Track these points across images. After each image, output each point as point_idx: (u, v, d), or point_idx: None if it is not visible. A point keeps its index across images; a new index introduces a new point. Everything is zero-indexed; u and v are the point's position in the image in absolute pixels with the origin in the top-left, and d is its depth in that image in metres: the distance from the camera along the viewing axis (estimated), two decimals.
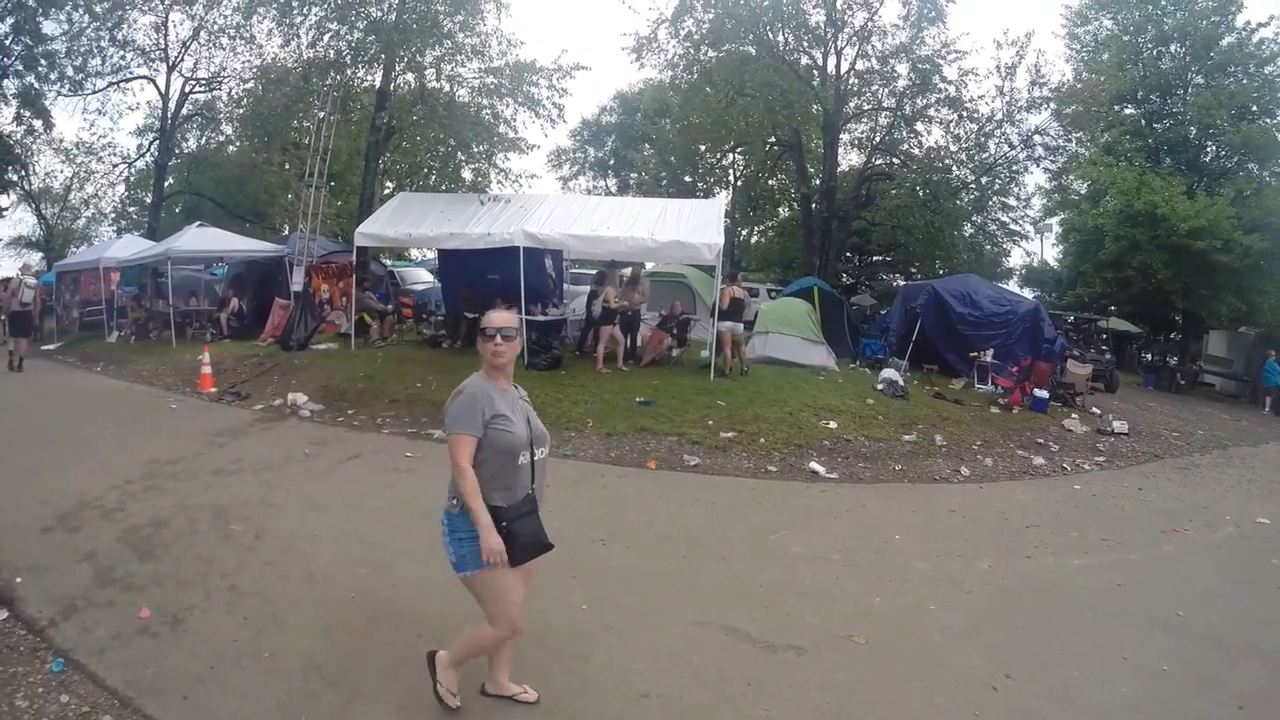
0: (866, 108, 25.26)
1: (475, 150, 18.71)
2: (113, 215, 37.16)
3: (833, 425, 11.49)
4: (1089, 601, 6.42)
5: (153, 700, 4.08)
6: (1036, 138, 23.66)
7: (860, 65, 24.01)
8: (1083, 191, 28.55)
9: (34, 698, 4.10)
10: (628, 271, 15.17)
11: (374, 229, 15.08)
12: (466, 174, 20.55)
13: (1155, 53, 28.25)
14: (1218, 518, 9.80)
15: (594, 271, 16.23)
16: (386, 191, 24.36)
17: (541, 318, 14.80)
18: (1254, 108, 26.51)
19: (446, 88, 17.88)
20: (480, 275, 15.53)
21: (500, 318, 3.90)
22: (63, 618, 4.92)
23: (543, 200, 15.85)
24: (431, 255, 22.96)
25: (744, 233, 38.10)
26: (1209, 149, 27.97)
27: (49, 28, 28.27)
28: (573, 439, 10.24)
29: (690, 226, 13.79)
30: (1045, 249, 38.65)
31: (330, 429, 10.65)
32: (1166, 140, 27.95)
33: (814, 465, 9.96)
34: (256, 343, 16.32)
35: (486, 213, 14.83)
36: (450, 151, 19.73)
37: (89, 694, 4.14)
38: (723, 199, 22.11)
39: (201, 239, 18.68)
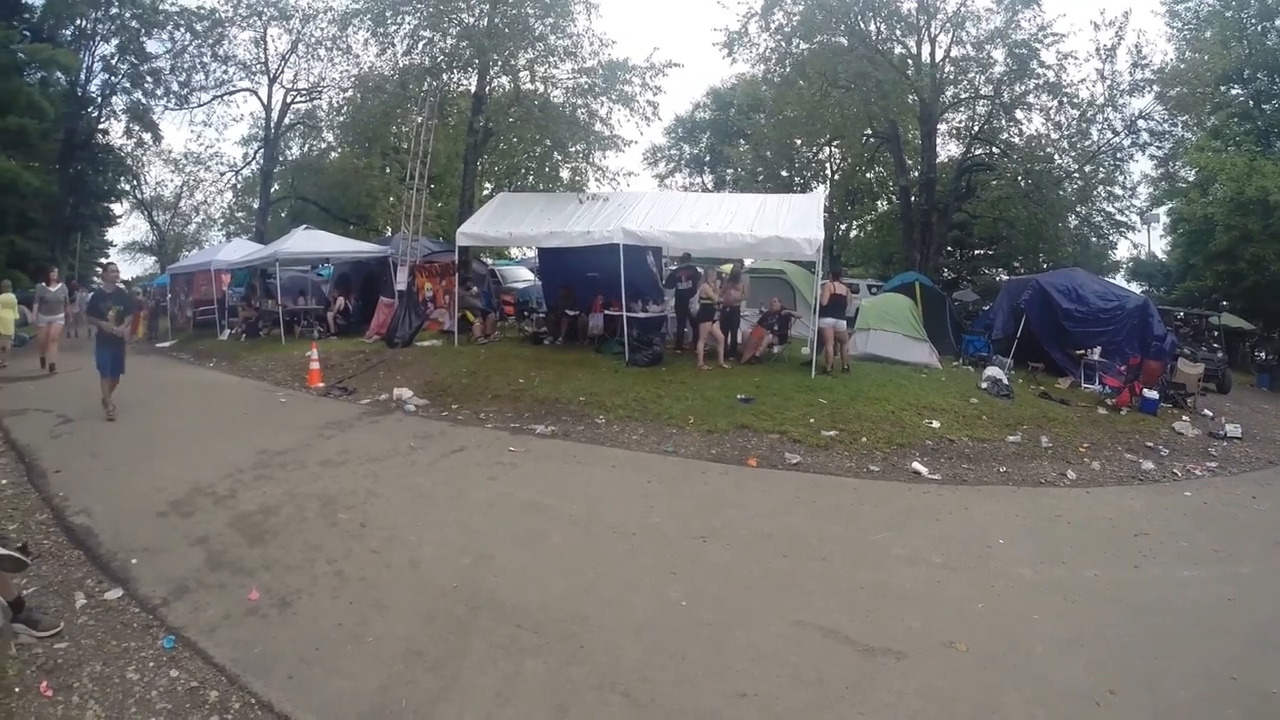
0: (964, 96, 24.69)
1: (572, 149, 18.88)
2: (221, 220, 39.17)
3: (935, 425, 11.21)
4: (1198, 616, 6.13)
5: (259, 678, 4.22)
6: (1140, 122, 22.89)
7: (955, 52, 23.51)
8: (1191, 179, 27.19)
9: (145, 671, 4.27)
10: (728, 268, 15.08)
11: (474, 229, 15.32)
12: (564, 173, 20.81)
13: (1260, 28, 26.80)
14: None
15: (673, 268, 16.17)
16: (485, 192, 24.87)
17: (642, 314, 14.85)
18: None
19: (541, 89, 18.08)
20: (580, 273, 15.68)
21: None
22: (175, 597, 5.12)
23: (640, 198, 15.92)
24: (532, 254, 23.19)
25: (842, 227, 37.65)
26: None
27: (153, 47, 30.12)
28: (674, 435, 10.22)
29: (790, 222, 13.64)
30: (1153, 240, 36.84)
31: (434, 423, 10.81)
32: (1277, 122, 26.58)
33: (916, 465, 9.73)
34: (362, 340, 16.82)
35: (585, 211, 14.95)
36: (547, 151, 19.97)
37: (198, 670, 4.30)
38: (821, 193, 21.80)
39: (307, 241, 19.40)
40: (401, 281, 16.29)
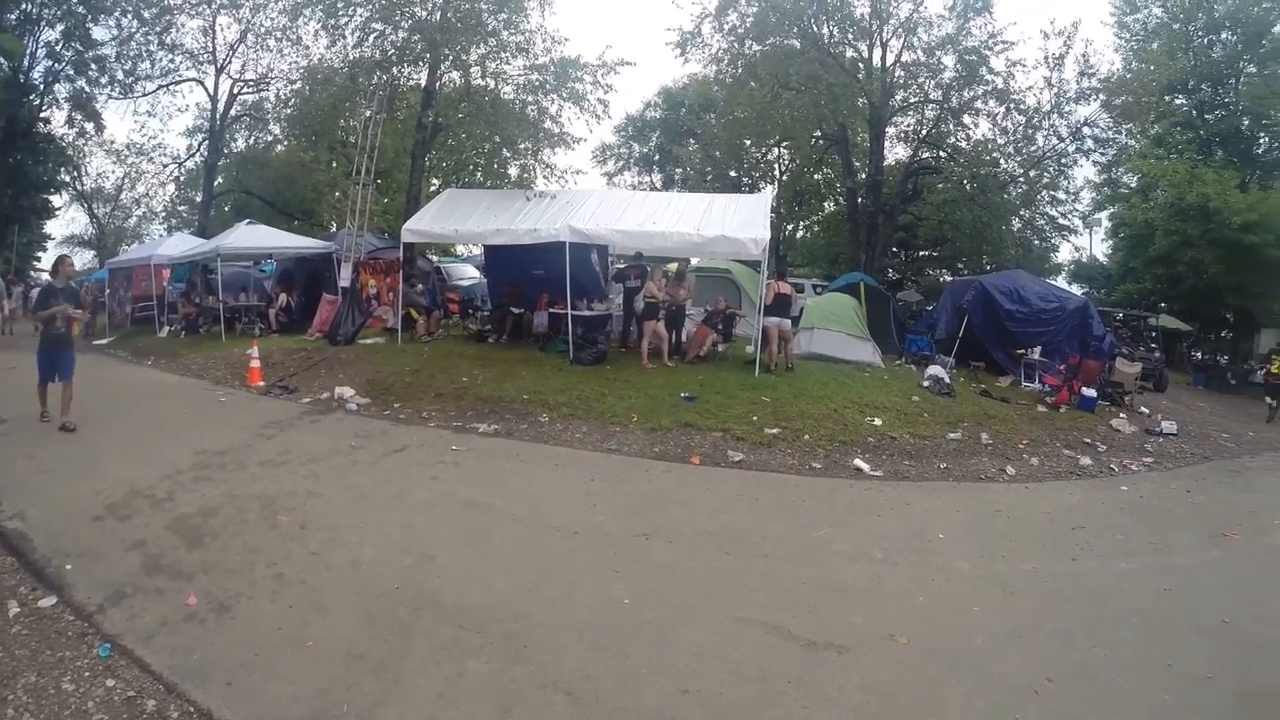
0: (913, 100, 25.08)
1: (521, 146, 18.86)
2: (163, 214, 38.26)
3: (878, 422, 11.37)
4: (1134, 607, 6.32)
5: (197, 685, 4.14)
6: (1086, 129, 23.51)
7: (906, 57, 23.89)
8: (1133, 185, 28.13)
9: (80, 681, 4.17)
10: (673, 267, 15.11)
11: (421, 225, 15.18)
12: (512, 170, 20.81)
13: (1206, 41, 27.75)
14: (1268, 523, 9.56)
15: (622, 266, 16.19)
16: (433, 188, 24.62)
17: (587, 313, 14.85)
18: None
19: (491, 85, 18.07)
20: (526, 271, 15.67)
21: None
22: (111, 604, 5.00)
23: (588, 196, 15.89)
24: (478, 251, 23.10)
25: (789, 228, 38.02)
26: (1262, 140, 27.45)
27: (99, 33, 29.25)
28: (617, 434, 10.20)
29: (736, 221, 13.73)
30: (1094, 244, 37.90)
31: (376, 422, 10.71)
32: (1218, 131, 27.48)
33: (858, 463, 9.86)
34: (304, 337, 16.56)
35: (532, 208, 14.86)
36: (496, 148, 19.93)
37: (135, 679, 4.20)
38: (768, 194, 22.00)
39: (250, 236, 19.04)
40: (345, 278, 16.08)
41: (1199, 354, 28.46)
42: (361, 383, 12.55)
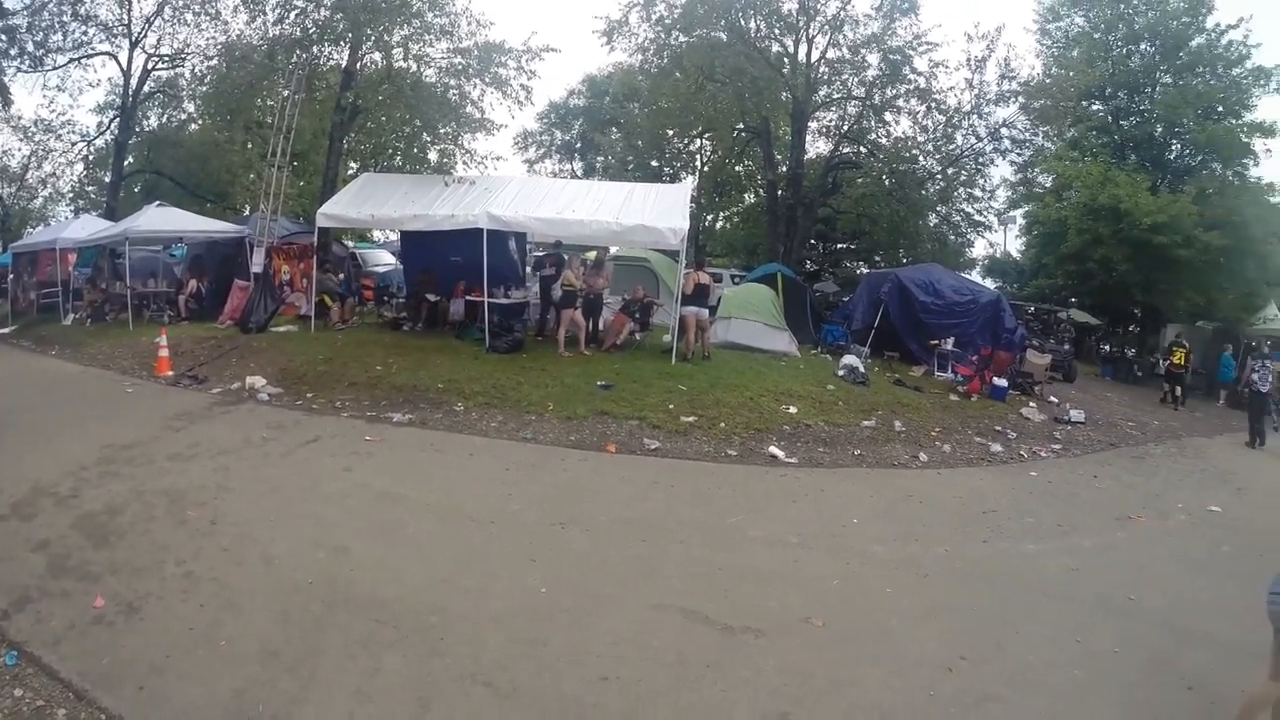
0: (836, 96, 25.34)
1: (441, 131, 18.58)
2: (71, 194, 36.19)
3: (793, 410, 11.55)
4: (1043, 586, 6.57)
5: (108, 692, 4.05)
6: (1004, 130, 24.10)
7: (831, 54, 24.10)
8: (1047, 185, 28.76)
9: None
10: (591, 255, 15.09)
11: (336, 210, 14.79)
12: (432, 155, 20.45)
13: (1125, 51, 28.51)
14: (1170, 506, 10.03)
15: (541, 253, 16.08)
16: (350, 172, 23.98)
17: (504, 300, 14.73)
18: (1219, 108, 26.76)
19: (414, 67, 17.74)
20: (443, 257, 15.41)
21: None
22: (16, 609, 4.86)
23: (508, 182, 15.65)
24: (394, 237, 22.67)
25: (709, 218, 38.07)
26: (1174, 147, 28.30)
27: (10, 2, 27.58)
28: (533, 422, 10.18)
29: (656, 211, 13.74)
30: (1008, 240, 38.91)
31: (288, 412, 10.49)
32: (1132, 137, 28.29)
33: (774, 450, 10.02)
34: (215, 325, 15.98)
35: (451, 194, 14.63)
36: (416, 132, 19.58)
37: (43, 687, 4.10)
38: (689, 184, 22.05)
39: (161, 219, 18.23)
40: (258, 264, 15.61)
41: (1107, 347, 29.51)
42: (274, 372, 12.23)
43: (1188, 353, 20.78)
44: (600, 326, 14.72)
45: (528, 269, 17.20)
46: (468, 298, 15.19)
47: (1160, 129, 27.55)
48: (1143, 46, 27.94)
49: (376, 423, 10.08)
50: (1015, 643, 5.48)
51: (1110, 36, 28.24)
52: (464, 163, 19.47)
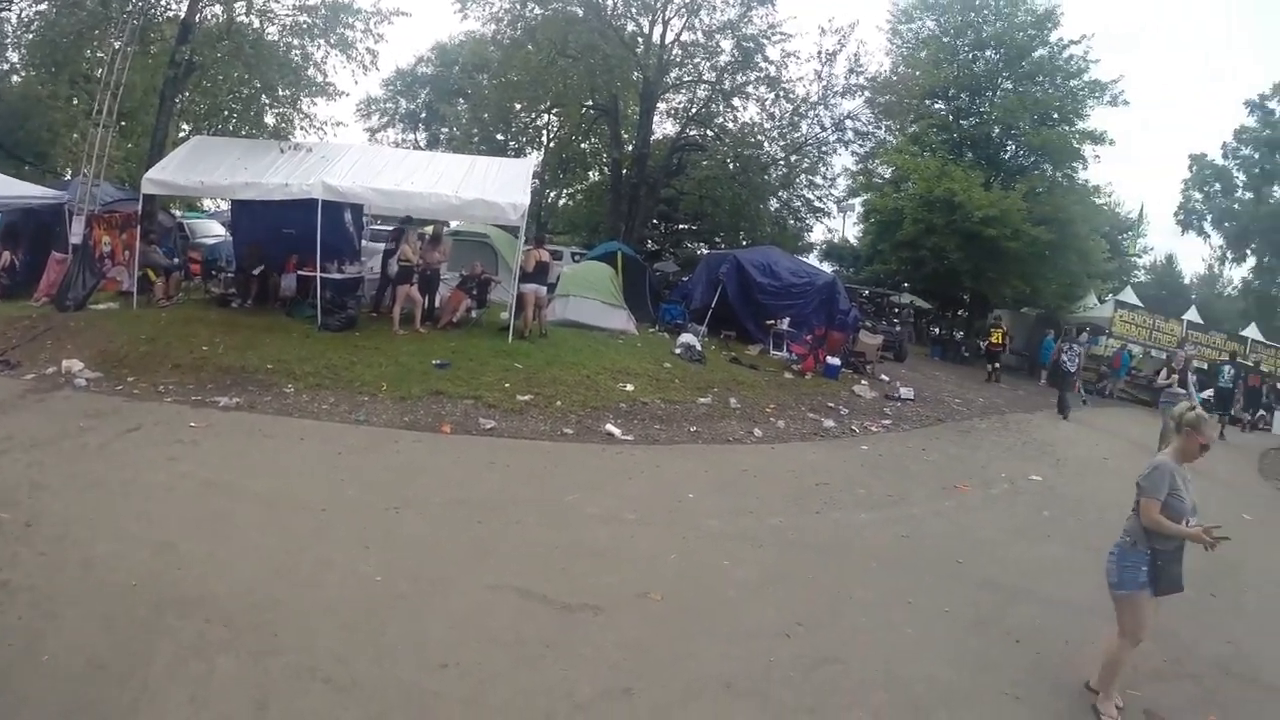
0: (687, 79, 25.64)
1: (281, 94, 17.76)
2: None
3: (630, 388, 11.78)
4: (875, 553, 7.01)
5: None
6: (848, 122, 25.25)
7: (686, 37, 24.40)
8: (887, 176, 30.10)
9: None
10: (429, 229, 14.81)
11: (164, 175, 13.80)
12: (269, 119, 19.47)
13: (971, 56, 30.11)
14: (994, 475, 10.88)
15: (391, 228, 15.74)
16: (182, 134, 22.61)
17: (338, 275, 14.06)
18: (1055, 115, 28.72)
19: (256, 24, 16.75)
20: (275, 229, 14.54)
21: None
22: None
23: (346, 151, 15.01)
24: (225, 206, 21.45)
25: (552, 195, 37.89)
26: (1009, 147, 30.16)
27: None
28: (366, 404, 9.92)
29: (497, 185, 13.60)
30: (847, 227, 40.70)
31: (108, 399, 9.57)
32: (971, 136, 29.97)
33: (610, 428, 10.17)
34: (29, 303, 14.21)
35: (286, 161, 13.93)
36: (254, 94, 18.63)
37: None
38: (532, 159, 21.93)
39: None
40: (76, 234, 14.20)
41: (937, 329, 31.34)
42: (92, 354, 11.19)
43: (1004, 333, 23.02)
44: (437, 303, 14.44)
45: (364, 242, 16.67)
46: (300, 272, 14.38)
47: (998, 130, 29.35)
48: (988, 53, 29.67)
49: (202, 407, 9.47)
50: (850, 608, 5.82)
51: (959, 41, 29.85)
52: (302, 128, 18.53)
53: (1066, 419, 17.16)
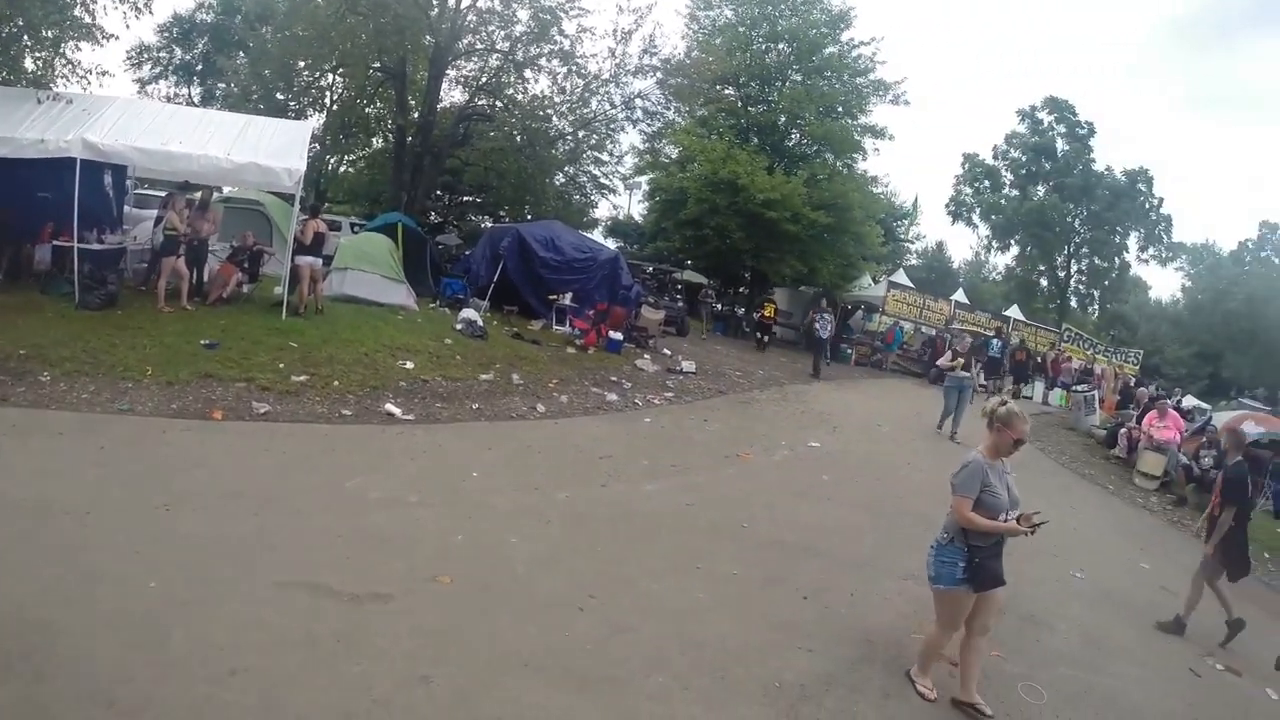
0: (479, 47, 25.33)
1: (44, 35, 16.19)
2: None
3: (410, 366, 11.82)
4: (662, 522, 7.47)
5: None
6: (638, 101, 25.98)
7: (482, 3, 24.11)
8: (673, 156, 31.21)
9: None
10: (198, 195, 13.94)
11: None
12: (29, 64, 17.71)
13: (764, 47, 31.40)
14: (775, 443, 11.79)
15: (164, 194, 14.70)
16: None
17: (97, 246, 12.84)
18: (839, 109, 30.93)
19: None
20: (29, 193, 13.04)
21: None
22: None
23: (109, 104, 13.50)
24: None
25: (333, 161, 36.40)
26: (794, 136, 31.84)
27: None
28: (130, 391, 9.08)
29: (272, 149, 12.94)
30: (632, 204, 41.74)
31: None
32: (758, 123, 31.42)
33: (390, 407, 10.13)
34: None
35: (43, 115, 12.33)
36: (15, 34, 16.88)
37: None
38: (311, 122, 20.89)
39: None
40: None
41: (719, 306, 32.82)
42: None
43: (775, 307, 26.07)
44: (205, 277, 13.63)
45: (127, 208, 15.42)
46: (56, 243, 12.96)
47: (784, 119, 30.97)
48: (781, 46, 31.14)
49: None
50: (641, 576, 6.17)
51: (754, 32, 31.13)
52: (65, 76, 16.78)
53: (819, 378, 19.62)
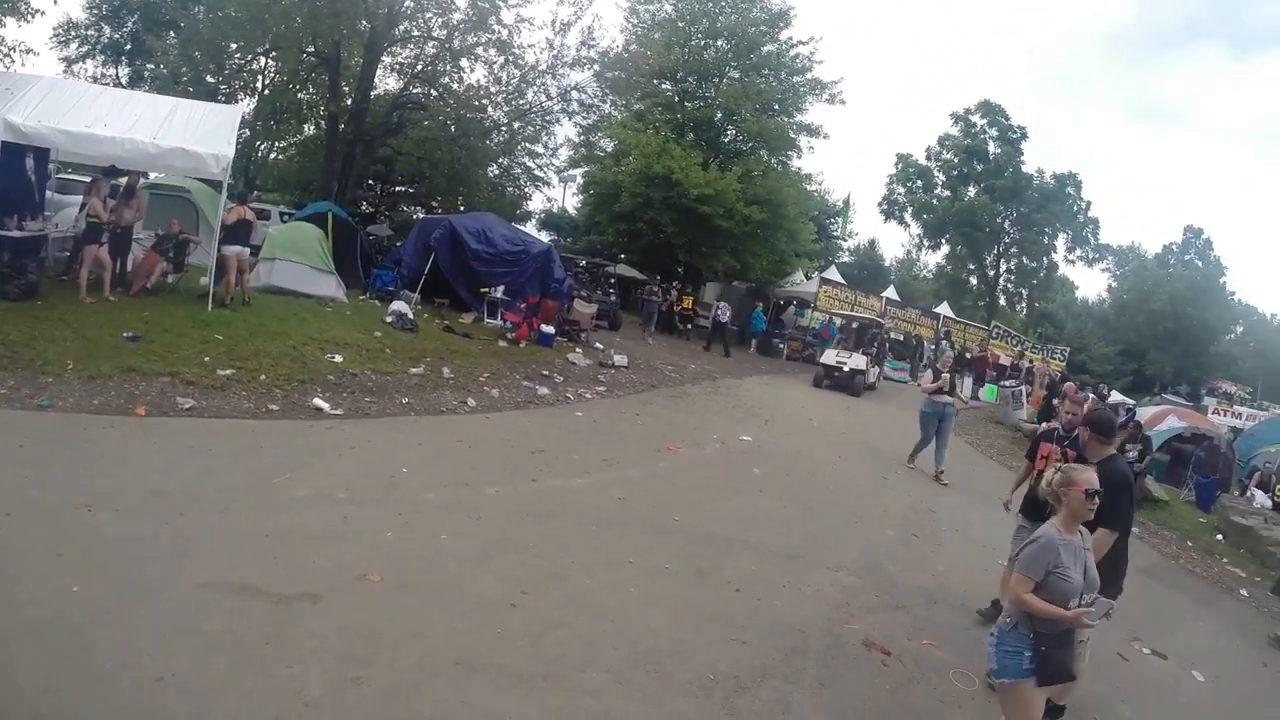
0: (416, 34, 25.03)
1: None
2: None
3: (338, 359, 11.63)
4: (593, 516, 7.52)
5: None
6: (575, 94, 25.71)
7: None
8: (608, 149, 31.38)
9: None
10: (123, 181, 13.56)
11: None
12: None
13: (703, 43, 31.70)
14: (706, 437, 11.93)
15: (88, 179, 14.22)
16: None
17: (16, 233, 12.05)
18: (775, 106, 31.44)
19: None
20: None
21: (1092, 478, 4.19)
22: None
23: (33, 83, 12.89)
24: None
25: (263, 147, 35.34)
26: (729, 132, 32.31)
27: None
28: (49, 386, 8.73)
29: (199, 134, 12.52)
30: (566, 197, 41.91)
31: None
32: (694, 118, 31.77)
33: (318, 402, 9.99)
34: None
35: None
36: None
37: None
38: (241, 107, 20.21)
39: None
40: None
41: (664, 306, 33.44)
42: None
43: (694, 299, 27.35)
44: (129, 267, 13.26)
45: (49, 194, 14.80)
46: None
47: (720, 115, 31.35)
48: (719, 43, 31.49)
49: None
50: (574, 571, 6.20)
51: (693, 28, 31.36)
52: None
53: (729, 356, 20.96)
